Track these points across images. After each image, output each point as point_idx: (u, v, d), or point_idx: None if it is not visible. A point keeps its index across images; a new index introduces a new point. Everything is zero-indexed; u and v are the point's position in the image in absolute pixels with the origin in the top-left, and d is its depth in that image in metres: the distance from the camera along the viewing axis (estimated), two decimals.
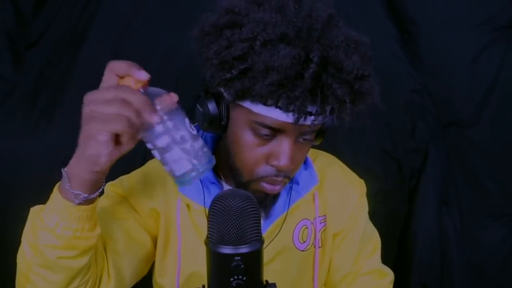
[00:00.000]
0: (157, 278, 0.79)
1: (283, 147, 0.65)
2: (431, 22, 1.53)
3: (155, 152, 0.55)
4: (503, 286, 1.57)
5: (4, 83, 1.45)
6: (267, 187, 0.69)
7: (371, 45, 0.65)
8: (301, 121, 0.61)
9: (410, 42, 1.57)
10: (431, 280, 1.50)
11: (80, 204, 0.55)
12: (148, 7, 1.49)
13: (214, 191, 0.75)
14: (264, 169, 0.68)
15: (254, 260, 0.50)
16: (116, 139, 0.51)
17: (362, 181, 0.89)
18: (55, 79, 1.48)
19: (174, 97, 0.53)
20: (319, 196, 0.82)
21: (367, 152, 1.49)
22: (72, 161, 0.54)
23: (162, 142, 0.53)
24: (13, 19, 1.48)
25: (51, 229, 0.55)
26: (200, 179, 0.75)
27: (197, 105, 0.69)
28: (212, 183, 0.76)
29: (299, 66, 0.58)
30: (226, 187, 0.78)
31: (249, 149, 0.67)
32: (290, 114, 0.60)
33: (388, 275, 0.85)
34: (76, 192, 0.54)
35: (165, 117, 0.53)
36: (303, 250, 0.81)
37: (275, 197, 0.77)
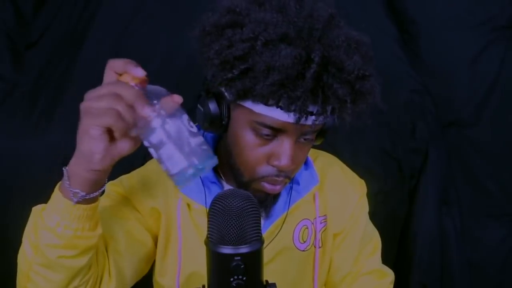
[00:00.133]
0: (157, 277, 0.79)
1: (284, 147, 0.65)
2: (431, 22, 1.53)
3: (151, 150, 0.54)
4: (503, 286, 1.57)
5: (4, 83, 1.45)
6: (267, 187, 0.69)
7: (372, 45, 0.65)
8: (302, 121, 0.61)
9: (410, 42, 1.57)
10: (431, 280, 1.50)
11: (79, 202, 0.55)
12: (148, 7, 1.49)
13: (215, 190, 0.75)
14: (265, 169, 0.68)
15: (254, 260, 0.50)
16: (112, 136, 0.51)
17: (362, 181, 0.89)
18: (55, 79, 1.48)
19: (176, 98, 0.53)
20: (320, 196, 0.82)
21: (367, 152, 1.49)
22: (72, 159, 0.54)
23: (156, 138, 0.53)
24: (13, 19, 1.48)
25: (52, 229, 0.55)
26: (201, 179, 0.75)
27: (198, 105, 0.69)
28: (213, 182, 0.76)
29: (300, 66, 0.58)
30: (227, 186, 0.78)
31: (250, 149, 0.67)
32: (291, 114, 0.60)
33: (388, 275, 0.85)
34: (74, 190, 0.54)
35: (161, 113, 0.52)
36: (303, 250, 0.81)
37: (276, 197, 0.77)
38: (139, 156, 1.28)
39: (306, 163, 0.82)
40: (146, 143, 0.54)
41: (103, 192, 0.60)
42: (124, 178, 0.79)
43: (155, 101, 0.52)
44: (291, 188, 0.79)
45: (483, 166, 1.54)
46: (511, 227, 1.56)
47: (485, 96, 1.52)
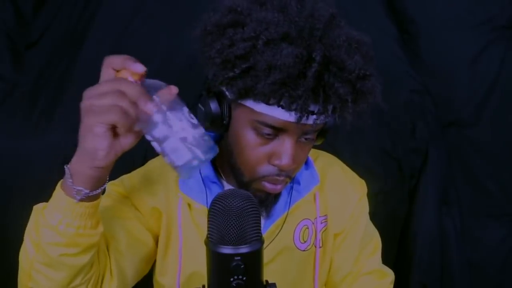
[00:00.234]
0: (158, 277, 0.79)
1: (285, 146, 0.65)
2: (431, 22, 1.53)
3: (154, 144, 0.55)
4: (503, 286, 1.57)
5: (4, 83, 1.45)
6: (268, 186, 0.69)
7: (372, 45, 0.65)
8: (303, 120, 0.61)
9: (410, 42, 1.57)
10: (431, 280, 1.50)
11: (82, 200, 0.55)
12: (148, 7, 1.49)
13: (216, 190, 0.75)
14: (265, 169, 0.68)
15: (254, 260, 0.50)
16: (115, 132, 0.52)
17: (363, 181, 0.89)
18: (55, 79, 1.48)
19: (173, 89, 0.54)
20: (320, 196, 0.82)
21: (367, 152, 1.49)
22: (74, 157, 0.55)
23: (159, 132, 0.53)
24: (13, 19, 1.48)
25: (53, 227, 0.55)
26: (201, 178, 0.75)
27: (199, 104, 0.69)
28: (213, 182, 0.76)
29: (302, 65, 0.58)
30: (227, 186, 0.78)
31: (251, 149, 0.67)
32: (292, 113, 0.60)
33: (388, 276, 0.85)
34: (78, 188, 0.54)
35: (162, 107, 0.53)
36: (303, 250, 0.81)
37: (276, 196, 0.77)
38: (140, 156, 1.28)
39: (307, 163, 0.82)
40: (148, 137, 0.55)
41: (104, 189, 0.60)
42: (125, 177, 0.79)
43: (154, 95, 0.53)
44: (291, 188, 0.79)
45: (483, 166, 1.54)
46: (511, 227, 1.56)
47: (485, 96, 1.52)
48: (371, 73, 0.62)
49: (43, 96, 1.47)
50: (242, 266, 0.48)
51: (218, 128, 0.68)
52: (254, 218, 0.50)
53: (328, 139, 0.77)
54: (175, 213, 0.77)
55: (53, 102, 1.45)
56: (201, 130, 0.56)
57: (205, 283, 0.52)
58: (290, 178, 0.71)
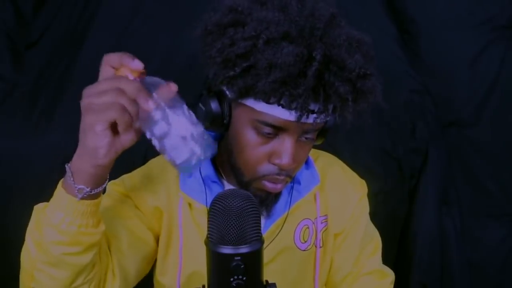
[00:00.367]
0: (158, 276, 0.79)
1: (285, 145, 0.65)
2: (431, 22, 1.53)
3: (154, 141, 0.55)
4: (503, 286, 1.57)
5: (4, 83, 1.45)
6: (268, 185, 0.69)
7: (373, 45, 0.65)
8: (304, 119, 0.61)
9: (410, 41, 1.57)
10: (431, 280, 1.50)
11: (83, 198, 0.56)
12: (147, 7, 1.49)
13: (216, 190, 0.75)
14: (266, 168, 0.68)
15: (254, 260, 0.50)
16: (115, 129, 0.52)
17: (363, 181, 0.89)
18: (55, 79, 1.48)
19: (172, 87, 0.54)
20: (320, 196, 0.82)
21: (367, 152, 1.49)
22: (75, 156, 0.55)
23: (159, 129, 0.53)
24: (13, 19, 1.48)
25: (55, 226, 0.55)
26: (202, 178, 0.75)
27: (199, 104, 0.69)
28: (214, 182, 0.76)
29: (302, 64, 0.58)
30: (228, 186, 0.78)
31: (251, 148, 0.67)
32: (293, 112, 0.60)
33: (389, 276, 0.85)
34: (79, 186, 0.55)
35: (162, 104, 0.53)
36: (304, 250, 0.81)
37: (277, 196, 0.77)
38: (140, 156, 1.28)
39: (307, 163, 0.82)
40: (148, 135, 0.55)
41: (105, 188, 0.60)
42: (125, 177, 0.79)
43: (154, 93, 0.53)
44: (292, 187, 0.79)
45: (483, 166, 1.54)
46: (511, 227, 1.56)
47: (485, 96, 1.52)
48: (372, 72, 0.62)
49: (43, 96, 1.47)
50: (242, 266, 0.48)
51: (219, 127, 0.68)
52: (254, 218, 0.50)
53: (328, 139, 0.77)
54: (176, 212, 0.77)
55: (53, 102, 1.45)
56: (200, 127, 0.56)
57: (205, 283, 0.52)
58: (290, 177, 0.71)
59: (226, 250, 0.48)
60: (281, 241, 0.78)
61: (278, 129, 0.65)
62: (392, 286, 0.86)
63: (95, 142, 0.51)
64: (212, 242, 0.49)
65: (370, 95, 0.63)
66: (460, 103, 1.54)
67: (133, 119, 0.51)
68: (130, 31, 1.48)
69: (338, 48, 0.60)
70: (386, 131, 1.50)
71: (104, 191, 0.60)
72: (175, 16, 1.47)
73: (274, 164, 0.67)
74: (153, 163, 0.82)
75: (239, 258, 0.48)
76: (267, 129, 0.64)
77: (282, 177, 0.69)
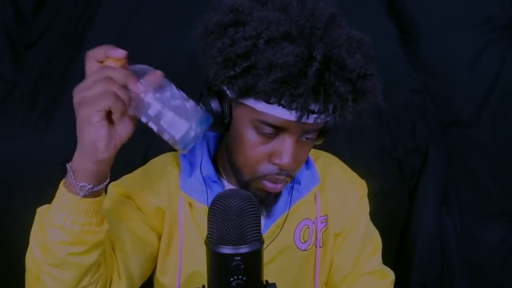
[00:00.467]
0: (159, 276, 0.79)
1: (285, 145, 0.65)
2: (431, 21, 1.53)
3: (150, 124, 0.56)
4: (503, 286, 1.57)
5: (4, 83, 1.45)
6: (269, 185, 0.69)
7: (373, 45, 0.65)
8: (304, 119, 0.61)
9: (410, 41, 1.57)
10: (431, 280, 1.50)
11: (85, 196, 0.56)
12: (147, 7, 1.49)
13: (216, 190, 0.75)
14: (266, 168, 0.68)
15: (254, 260, 0.50)
16: (109, 119, 0.53)
17: (363, 181, 0.89)
18: (55, 79, 1.48)
19: (158, 72, 0.55)
20: (321, 196, 0.82)
21: (367, 152, 1.49)
22: (75, 154, 0.55)
23: (153, 110, 0.54)
24: (13, 19, 1.48)
25: (59, 226, 0.55)
26: (202, 178, 0.75)
27: (200, 104, 0.70)
28: (214, 182, 0.76)
29: (302, 64, 0.58)
30: (228, 185, 0.78)
31: (252, 148, 0.67)
32: (293, 112, 0.60)
33: (389, 276, 0.85)
34: (81, 184, 0.55)
35: (151, 88, 0.54)
36: (304, 250, 0.81)
37: (277, 196, 0.77)
38: (140, 156, 1.28)
39: (307, 163, 0.82)
40: (144, 119, 0.56)
41: (107, 186, 0.60)
42: (126, 178, 0.79)
43: (141, 79, 0.54)
44: (292, 187, 0.79)
45: (483, 166, 1.54)
46: (511, 227, 1.56)
47: (485, 96, 1.52)
48: (372, 72, 0.62)
49: (43, 96, 1.47)
50: (242, 266, 0.48)
51: (219, 127, 0.68)
52: (254, 218, 0.50)
53: (328, 139, 0.77)
54: (176, 212, 0.77)
55: (53, 102, 1.45)
56: (191, 102, 0.57)
57: (206, 283, 0.52)
58: (290, 177, 0.71)
59: (226, 250, 0.48)
60: (281, 241, 0.78)
61: (278, 129, 0.65)
62: (392, 286, 0.86)
63: (94, 135, 0.52)
64: (212, 242, 0.49)
65: (370, 95, 0.63)
66: (460, 103, 1.54)
67: (126, 106, 0.52)
68: (130, 31, 1.47)
69: (339, 48, 0.60)
70: (386, 131, 1.50)
71: (105, 190, 0.60)
72: (175, 16, 1.47)
73: (274, 164, 0.67)
74: (153, 163, 0.82)
75: (239, 258, 0.48)
76: (268, 129, 0.65)
77: (282, 177, 0.69)
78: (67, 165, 0.56)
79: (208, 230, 0.50)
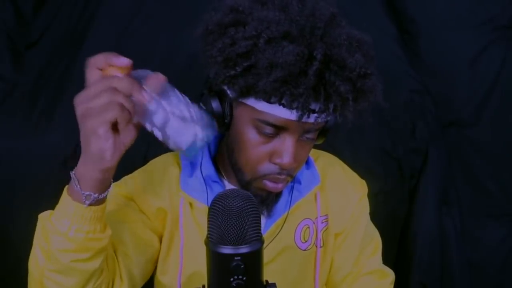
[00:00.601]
0: (159, 276, 0.79)
1: (286, 145, 0.65)
2: (431, 21, 1.53)
3: (155, 131, 0.55)
4: (503, 286, 1.57)
5: (4, 83, 1.45)
6: (269, 185, 0.69)
7: (373, 44, 0.65)
8: (304, 118, 0.61)
9: (410, 41, 1.56)
10: (431, 280, 1.50)
11: (90, 205, 0.56)
12: (148, 7, 1.49)
13: (217, 189, 0.75)
14: (267, 167, 0.68)
15: (254, 260, 0.50)
16: (114, 128, 0.52)
17: (363, 181, 0.89)
18: (55, 79, 1.48)
19: (160, 77, 0.53)
20: (321, 195, 0.82)
21: (367, 152, 1.49)
22: (79, 163, 0.55)
23: (158, 118, 0.53)
24: (13, 19, 1.48)
25: (63, 233, 0.55)
26: (203, 178, 0.75)
27: (200, 103, 0.70)
28: (215, 181, 0.76)
29: (303, 63, 0.58)
30: (229, 185, 0.78)
31: (252, 147, 0.67)
32: (294, 112, 0.61)
33: (389, 276, 0.85)
34: (86, 193, 0.55)
35: (154, 94, 0.53)
36: (304, 250, 0.81)
37: (277, 196, 0.77)
38: (140, 156, 1.28)
39: (308, 163, 0.82)
40: (149, 127, 0.55)
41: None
42: (127, 179, 0.79)
43: (143, 85, 0.53)
44: (292, 187, 0.79)
45: (483, 166, 1.54)
46: (511, 227, 1.56)
47: (485, 96, 1.52)
48: (372, 72, 0.62)
49: (43, 96, 1.47)
50: (242, 266, 0.48)
51: (220, 127, 0.68)
52: (254, 218, 0.50)
53: (328, 139, 0.77)
54: (177, 212, 0.77)
55: (53, 102, 1.45)
56: (195, 107, 0.56)
57: (206, 283, 0.52)
58: (291, 177, 0.71)
59: (226, 250, 0.48)
60: (281, 240, 0.78)
61: (279, 129, 0.65)
62: (392, 286, 0.86)
63: (100, 146, 0.51)
64: (212, 242, 0.49)
65: (370, 94, 0.63)
66: (460, 103, 1.54)
67: (132, 115, 0.51)
68: (130, 31, 1.47)
69: (339, 47, 0.60)
70: (386, 131, 1.50)
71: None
72: (175, 16, 1.47)
73: (275, 163, 0.67)
74: (153, 163, 0.82)
75: (239, 258, 0.48)
76: (268, 129, 0.65)
77: (283, 177, 0.69)
78: (71, 173, 0.56)
79: (208, 230, 0.50)
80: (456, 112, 1.55)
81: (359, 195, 0.86)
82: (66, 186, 0.57)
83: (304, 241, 0.81)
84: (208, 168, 0.76)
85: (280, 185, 0.70)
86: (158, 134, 0.55)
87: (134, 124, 0.54)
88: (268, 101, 0.61)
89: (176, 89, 0.55)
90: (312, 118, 0.63)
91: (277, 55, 0.58)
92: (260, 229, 0.51)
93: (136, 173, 0.81)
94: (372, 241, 0.86)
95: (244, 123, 0.66)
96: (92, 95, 0.49)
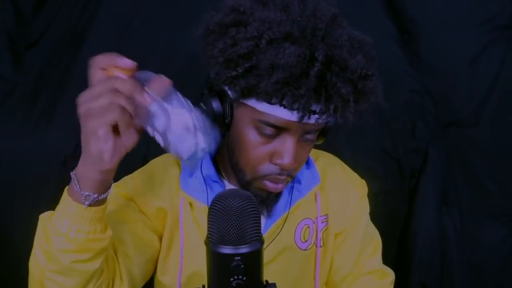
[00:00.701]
0: (159, 276, 0.80)
1: (286, 145, 0.65)
2: (431, 22, 1.53)
3: (157, 136, 0.54)
4: (503, 286, 1.57)
5: (4, 83, 1.45)
6: (269, 185, 0.69)
7: (374, 45, 0.65)
8: (305, 119, 0.61)
9: (410, 42, 1.56)
10: (431, 280, 1.50)
11: (90, 205, 0.56)
12: (148, 7, 1.49)
13: (217, 189, 0.75)
14: (267, 168, 0.68)
15: (254, 260, 0.50)
16: (115, 130, 0.52)
17: (363, 181, 0.89)
18: (55, 79, 1.48)
19: (165, 80, 0.53)
20: (321, 195, 0.82)
21: (367, 152, 1.49)
22: (79, 163, 0.55)
23: (160, 123, 0.52)
24: (13, 19, 1.48)
25: (64, 234, 0.55)
26: (203, 178, 0.75)
27: (201, 103, 0.70)
28: (215, 181, 0.76)
29: (304, 64, 0.58)
30: (229, 185, 0.78)
31: (253, 148, 0.67)
32: (295, 113, 0.61)
33: (389, 276, 0.85)
34: (86, 193, 0.55)
35: (157, 97, 0.52)
36: (304, 250, 0.81)
37: (277, 196, 0.77)
38: (140, 156, 1.28)
39: (308, 163, 0.82)
40: (150, 131, 0.54)
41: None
42: (127, 179, 0.79)
43: (146, 87, 0.52)
44: (292, 187, 0.79)
45: (483, 166, 1.54)
46: (511, 227, 1.56)
47: (485, 96, 1.52)
48: (373, 73, 0.62)
49: (43, 96, 1.47)
50: (242, 266, 0.48)
51: (220, 127, 0.68)
52: (254, 218, 0.50)
53: (328, 139, 0.77)
54: (177, 212, 0.77)
55: (53, 102, 1.45)
56: (198, 112, 0.55)
57: (206, 283, 0.52)
58: (291, 177, 0.71)
59: (226, 250, 0.48)
60: (281, 240, 0.78)
61: (279, 129, 0.65)
62: (392, 286, 0.86)
63: (99, 147, 0.51)
64: (212, 242, 0.49)
65: (371, 95, 0.63)
66: (460, 103, 1.54)
67: (133, 117, 0.51)
68: (130, 31, 1.47)
69: (340, 48, 0.60)
70: (386, 131, 1.50)
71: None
72: (175, 16, 1.47)
73: (275, 164, 0.67)
74: (153, 163, 0.82)
75: (239, 258, 0.48)
76: (269, 129, 0.65)
77: (283, 177, 0.69)
78: (71, 173, 0.56)
79: (208, 230, 0.50)
80: (456, 112, 1.55)
81: (359, 195, 0.86)
82: (67, 187, 0.57)
83: (304, 241, 0.81)
84: (208, 168, 0.76)
85: (280, 186, 0.70)
86: (159, 139, 0.54)
87: (136, 127, 0.54)
88: (269, 102, 0.61)
89: (179, 94, 0.55)
90: (312, 119, 0.63)
91: (278, 56, 0.57)
92: (260, 229, 0.51)
93: (136, 173, 0.81)
94: (372, 241, 0.86)
95: (245, 124, 0.66)
96: (94, 95, 0.49)
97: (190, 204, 0.76)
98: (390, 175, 1.51)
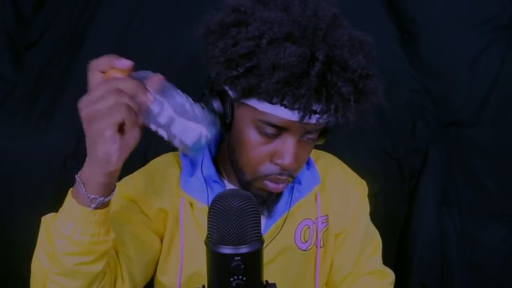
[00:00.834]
0: (159, 276, 0.80)
1: (287, 145, 0.65)
2: (431, 22, 1.53)
3: (161, 131, 0.55)
4: (503, 286, 1.57)
5: (4, 83, 1.45)
6: (270, 185, 0.69)
7: (375, 45, 0.65)
8: (306, 119, 0.61)
9: (410, 42, 1.56)
10: (431, 280, 1.50)
11: (96, 208, 0.56)
12: (148, 7, 1.49)
13: (217, 189, 0.75)
14: (267, 168, 0.68)
15: (254, 260, 0.50)
16: (119, 129, 0.52)
17: (363, 181, 0.89)
18: (55, 79, 1.48)
19: (159, 77, 0.53)
20: (321, 196, 0.82)
21: (367, 152, 1.49)
22: (85, 166, 0.55)
23: (164, 118, 0.53)
24: (13, 19, 1.48)
25: (68, 237, 0.55)
26: (203, 178, 0.75)
27: (201, 103, 0.70)
28: (215, 181, 0.76)
29: (305, 64, 0.58)
30: (229, 185, 0.78)
31: (253, 148, 0.67)
32: (295, 112, 0.61)
33: (389, 276, 0.85)
34: (92, 196, 0.55)
35: (157, 94, 0.53)
36: (305, 250, 0.81)
37: (278, 196, 0.77)
38: (140, 156, 1.28)
39: (308, 163, 0.82)
40: (153, 127, 0.55)
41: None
42: (128, 179, 0.79)
43: (149, 88, 0.53)
44: (293, 187, 0.79)
45: (483, 166, 1.54)
46: (511, 227, 1.56)
47: (485, 96, 1.52)
48: (374, 73, 0.62)
49: (43, 96, 1.47)
50: (242, 266, 0.48)
51: (221, 127, 0.68)
52: (254, 218, 0.50)
53: (328, 139, 0.77)
54: (178, 212, 0.77)
55: (53, 102, 1.45)
56: (198, 105, 0.56)
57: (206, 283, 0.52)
58: (292, 177, 0.71)
59: (226, 250, 0.48)
60: (281, 241, 0.78)
61: (280, 129, 0.65)
62: (392, 286, 0.86)
63: (107, 149, 0.51)
64: (212, 242, 0.49)
65: (372, 95, 0.63)
66: (460, 103, 1.54)
67: (138, 116, 0.51)
68: (130, 31, 1.47)
69: (341, 48, 0.60)
70: (386, 131, 1.50)
71: None
72: (175, 16, 1.47)
73: (276, 164, 0.67)
74: (154, 163, 0.82)
75: (239, 258, 0.48)
76: (270, 129, 0.65)
77: (284, 177, 0.69)
78: (76, 176, 0.55)
79: (208, 230, 0.50)
80: (456, 112, 1.55)
81: (360, 195, 0.86)
82: (71, 189, 0.57)
83: (304, 241, 0.81)
84: (208, 168, 0.76)
85: (281, 186, 0.70)
86: (163, 133, 0.55)
87: (138, 125, 0.54)
88: (270, 102, 0.61)
89: (178, 89, 0.55)
90: (313, 119, 0.63)
91: (279, 56, 0.58)
92: (260, 229, 0.51)
93: (136, 173, 0.81)
94: (372, 241, 0.86)
95: (245, 124, 0.66)
96: (97, 97, 0.49)
97: (191, 204, 0.76)
98: (390, 175, 1.51)
